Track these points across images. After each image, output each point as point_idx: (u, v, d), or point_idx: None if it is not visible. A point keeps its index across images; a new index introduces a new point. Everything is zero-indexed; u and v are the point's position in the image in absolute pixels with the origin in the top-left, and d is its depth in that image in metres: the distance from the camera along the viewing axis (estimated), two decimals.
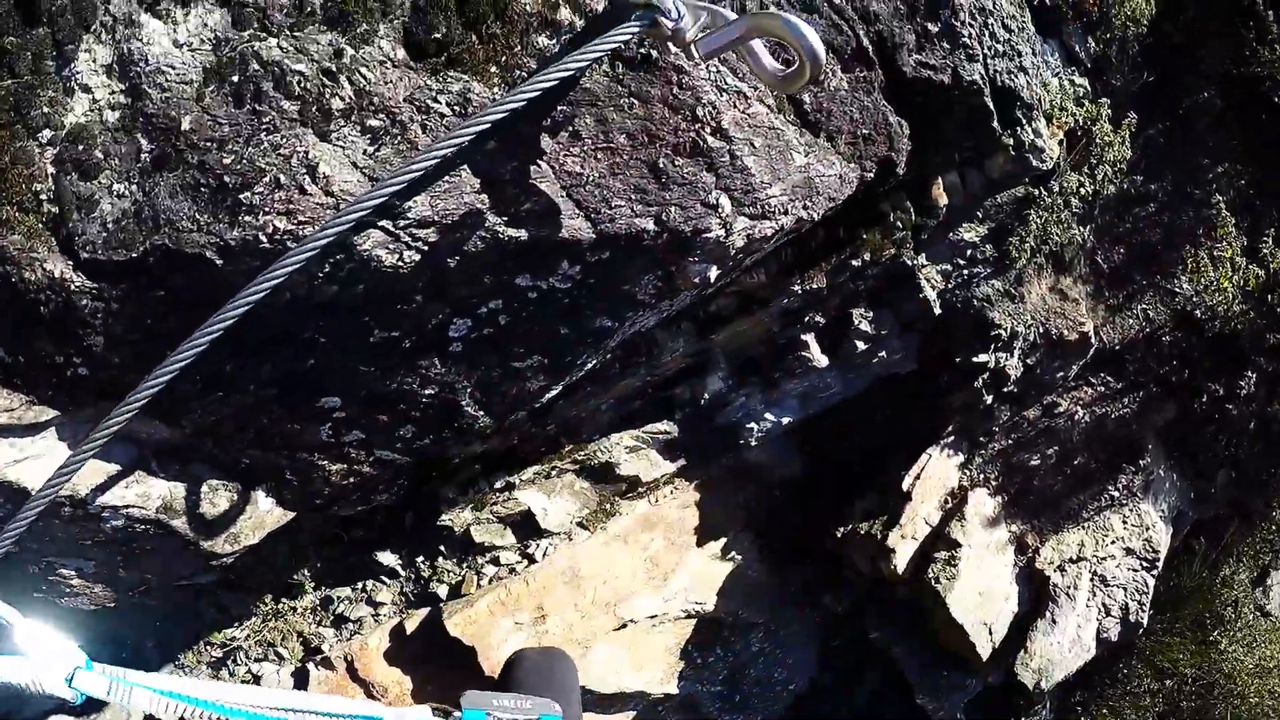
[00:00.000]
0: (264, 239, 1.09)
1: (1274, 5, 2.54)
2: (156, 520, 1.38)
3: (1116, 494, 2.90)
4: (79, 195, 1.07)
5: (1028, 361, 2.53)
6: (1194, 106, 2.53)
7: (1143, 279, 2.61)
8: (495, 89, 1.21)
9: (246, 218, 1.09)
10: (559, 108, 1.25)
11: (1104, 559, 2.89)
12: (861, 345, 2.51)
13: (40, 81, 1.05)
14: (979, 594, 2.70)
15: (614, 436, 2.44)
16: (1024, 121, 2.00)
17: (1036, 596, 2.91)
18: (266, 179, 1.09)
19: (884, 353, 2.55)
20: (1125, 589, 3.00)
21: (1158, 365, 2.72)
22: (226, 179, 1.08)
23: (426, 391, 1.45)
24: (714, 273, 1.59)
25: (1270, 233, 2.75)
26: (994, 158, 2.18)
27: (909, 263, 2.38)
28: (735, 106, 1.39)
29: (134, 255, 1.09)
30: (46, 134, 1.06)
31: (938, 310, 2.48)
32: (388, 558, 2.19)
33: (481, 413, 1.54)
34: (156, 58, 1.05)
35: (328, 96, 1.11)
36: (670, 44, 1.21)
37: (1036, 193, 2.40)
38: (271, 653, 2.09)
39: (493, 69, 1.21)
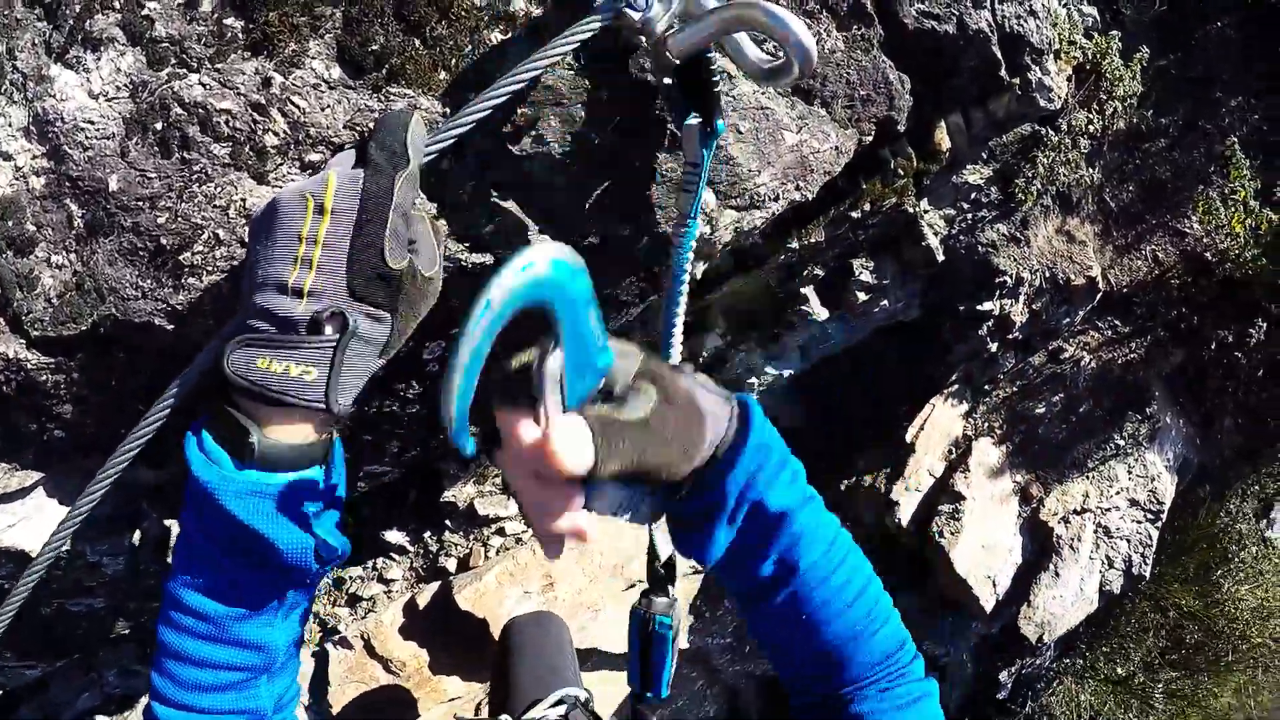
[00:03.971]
0: (210, 301, 1.04)
1: None
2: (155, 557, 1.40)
3: (1122, 443, 2.86)
4: (18, 273, 1.00)
5: (1033, 307, 2.45)
6: (1206, 37, 2.32)
7: (1152, 218, 2.48)
8: (446, 102, 1.10)
9: (190, 279, 1.03)
10: (519, 110, 1.15)
11: (1108, 510, 2.88)
12: (863, 295, 2.44)
13: None
14: (982, 547, 2.71)
15: None
16: (1031, 65, 1.85)
17: (1040, 549, 2.91)
18: (205, 236, 1.02)
19: (886, 301, 2.48)
20: (1129, 541, 3.00)
21: (1166, 310, 2.62)
22: (164, 240, 1.01)
23: (409, 410, 1.42)
24: (700, 268, 1.51)
25: None
26: (1000, 97, 2.05)
27: (910, 210, 2.29)
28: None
29: (84, 328, 1.03)
30: None
31: (941, 257, 2.40)
32: (395, 535, 2.23)
33: None
34: (73, 114, 0.96)
35: (260, 133, 1.01)
36: (640, 37, 1.10)
37: (1044, 132, 2.27)
38: None
39: (441, 75, 1.10)
